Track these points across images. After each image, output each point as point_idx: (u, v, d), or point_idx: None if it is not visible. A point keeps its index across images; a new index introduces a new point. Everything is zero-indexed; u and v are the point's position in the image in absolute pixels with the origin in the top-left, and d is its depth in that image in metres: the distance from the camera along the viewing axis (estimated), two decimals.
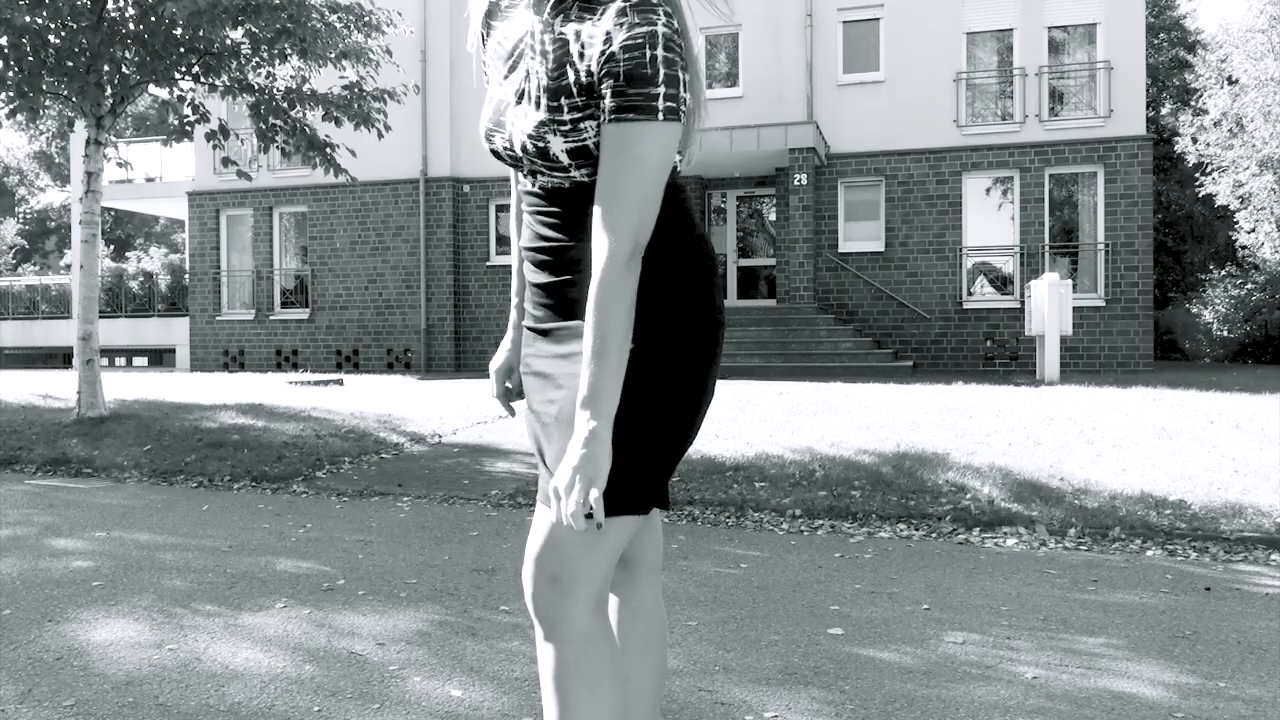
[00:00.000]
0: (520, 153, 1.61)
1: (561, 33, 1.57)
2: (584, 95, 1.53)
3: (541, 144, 1.57)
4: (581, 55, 1.53)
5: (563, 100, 1.55)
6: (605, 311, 1.47)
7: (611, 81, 1.47)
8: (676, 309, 1.60)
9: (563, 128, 1.55)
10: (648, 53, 1.45)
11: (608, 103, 1.48)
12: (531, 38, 1.61)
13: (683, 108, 1.50)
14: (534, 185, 1.66)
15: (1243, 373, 16.03)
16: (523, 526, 5.20)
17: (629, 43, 1.46)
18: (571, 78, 1.54)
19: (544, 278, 1.68)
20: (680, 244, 1.62)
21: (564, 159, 1.58)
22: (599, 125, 1.53)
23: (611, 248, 1.47)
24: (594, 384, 1.47)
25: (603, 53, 1.49)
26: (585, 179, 1.59)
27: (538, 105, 1.57)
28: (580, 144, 1.56)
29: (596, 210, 1.50)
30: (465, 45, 20.18)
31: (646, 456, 1.57)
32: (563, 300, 1.66)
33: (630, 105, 1.46)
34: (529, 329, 1.73)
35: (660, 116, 1.47)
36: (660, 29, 1.46)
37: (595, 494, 1.44)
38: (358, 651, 3.11)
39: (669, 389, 1.59)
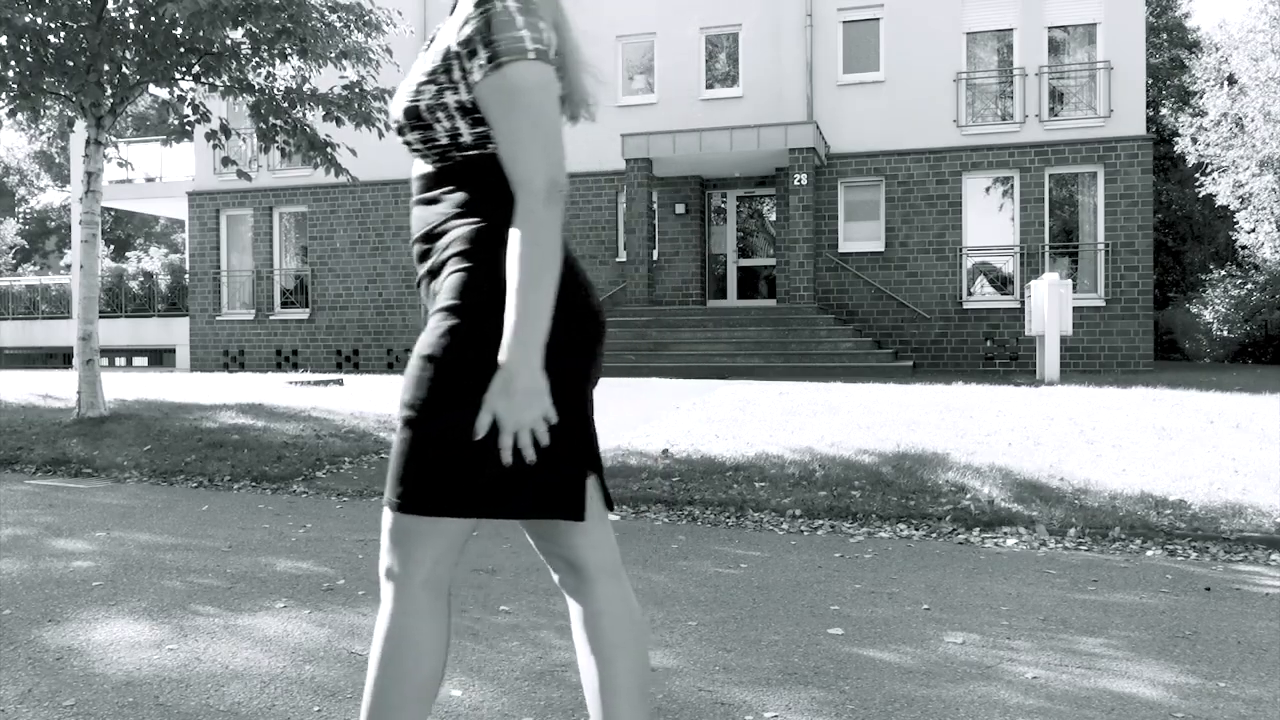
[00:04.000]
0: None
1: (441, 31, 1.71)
2: (439, 60, 1.64)
3: (396, 107, 1.71)
4: (449, 40, 1.64)
5: (422, 72, 1.67)
6: (532, 242, 1.51)
7: (478, 37, 1.56)
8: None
9: (409, 90, 1.67)
10: (497, 5, 1.56)
11: (481, 56, 1.56)
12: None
13: (551, 53, 1.58)
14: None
15: (1243, 373, 16.03)
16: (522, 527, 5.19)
17: (479, 2, 1.57)
18: (437, 55, 1.65)
19: (425, 264, 1.71)
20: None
21: (400, 117, 1.68)
22: (438, 89, 1.63)
23: (526, 185, 1.53)
24: (525, 311, 1.50)
25: (463, 21, 1.59)
26: (434, 165, 1.68)
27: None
28: (413, 104, 1.66)
29: (503, 161, 1.57)
30: None
31: (465, 454, 1.57)
32: (432, 277, 1.69)
33: (501, 50, 1.54)
34: None
35: (531, 56, 1.54)
36: None
37: (541, 430, 1.52)
38: (358, 651, 3.11)
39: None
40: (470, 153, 1.64)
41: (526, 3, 1.57)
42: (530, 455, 1.54)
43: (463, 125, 1.63)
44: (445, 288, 1.62)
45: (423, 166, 1.72)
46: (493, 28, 1.54)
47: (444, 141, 1.66)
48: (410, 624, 1.66)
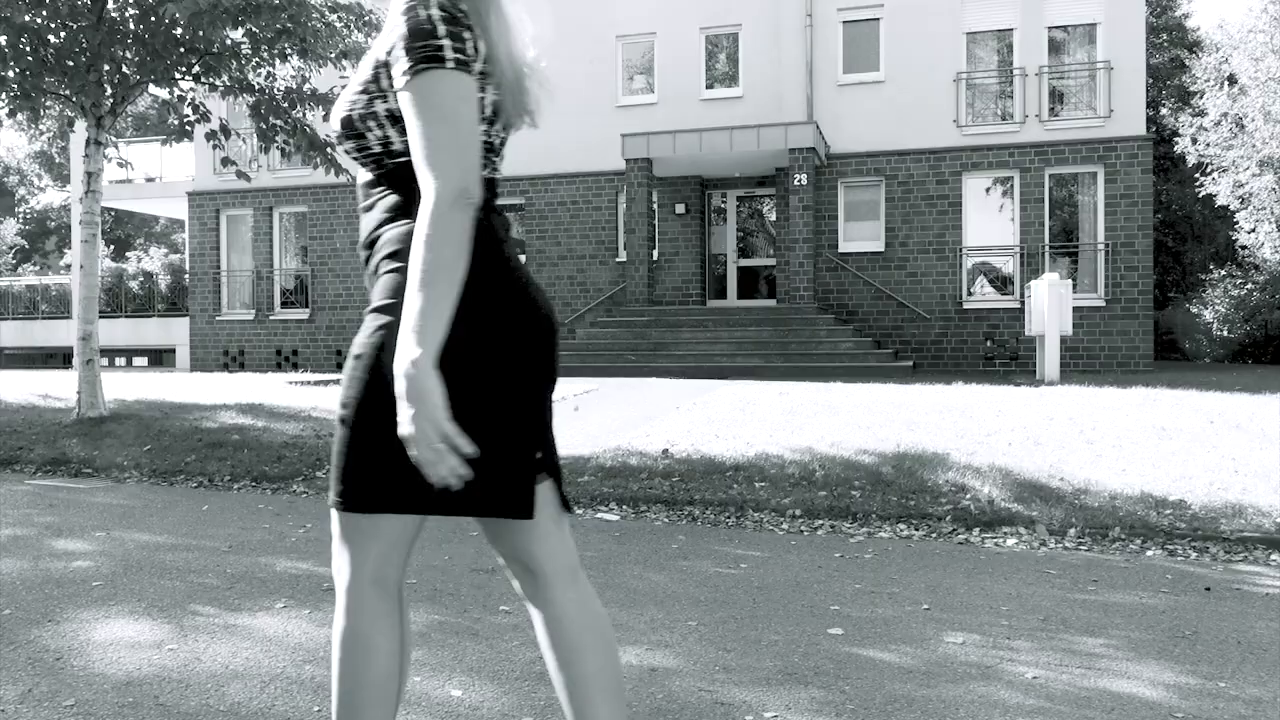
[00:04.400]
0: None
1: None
2: (370, 70, 1.67)
3: (333, 117, 1.74)
4: (379, 51, 1.68)
5: (357, 81, 1.70)
6: (433, 245, 1.50)
7: (400, 45, 1.57)
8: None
9: (345, 100, 1.71)
10: (421, 12, 1.57)
11: (403, 64, 1.57)
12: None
13: (474, 63, 1.58)
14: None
15: (1243, 373, 16.03)
16: None
17: (406, 8, 1.58)
18: (369, 65, 1.68)
19: (368, 269, 1.74)
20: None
21: (337, 127, 1.71)
22: (369, 99, 1.66)
23: (436, 190, 1.52)
24: (419, 311, 1.49)
25: (391, 30, 1.62)
26: (371, 172, 1.71)
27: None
28: (348, 114, 1.69)
29: (416, 166, 1.56)
30: None
31: (400, 451, 1.56)
32: (374, 280, 1.72)
33: (420, 58, 1.55)
34: None
35: (450, 65, 1.55)
36: None
37: (449, 430, 1.47)
38: None
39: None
40: (401, 159, 1.67)
41: (453, 11, 1.58)
42: (447, 477, 1.50)
43: (393, 133, 1.67)
44: (378, 288, 1.66)
45: (364, 175, 1.75)
46: (414, 36, 1.55)
47: (377, 150, 1.69)
48: (361, 623, 1.68)
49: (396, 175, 1.68)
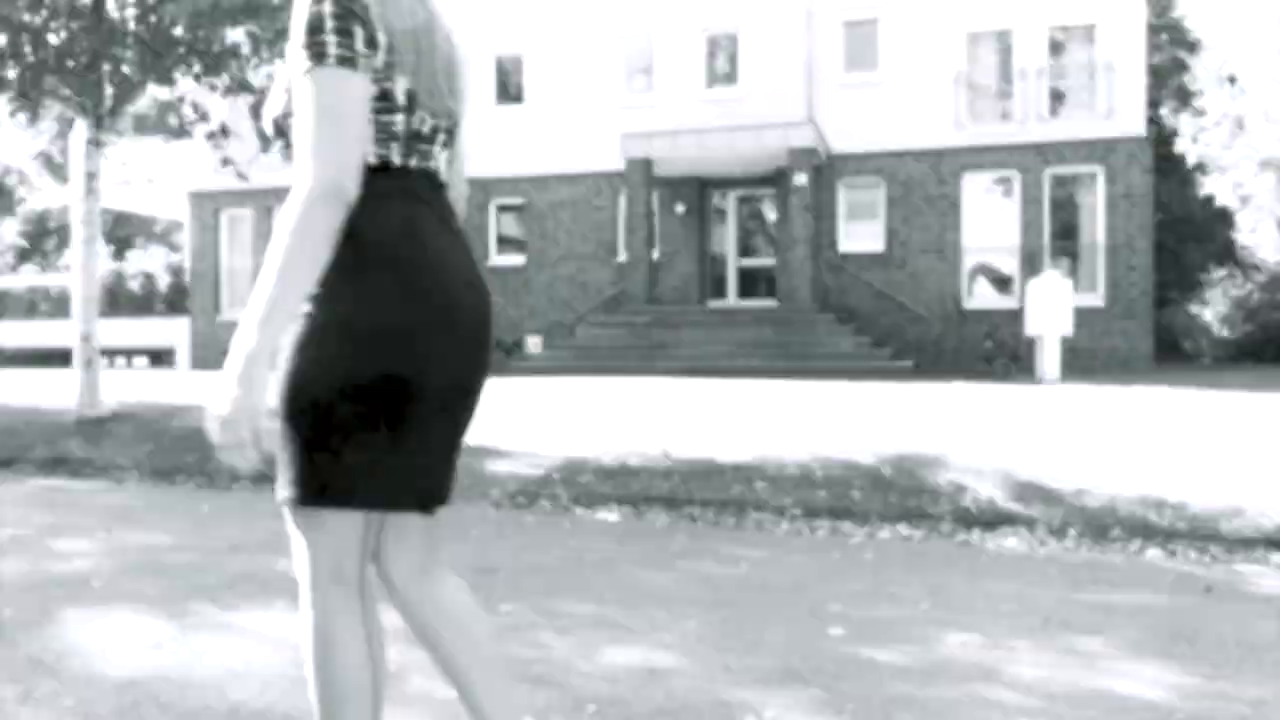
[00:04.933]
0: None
1: None
2: (290, 68, 1.69)
3: (265, 117, 1.77)
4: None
5: (283, 82, 1.73)
6: (297, 236, 1.51)
7: (298, 41, 1.60)
8: (355, 290, 1.58)
9: (274, 100, 1.74)
10: (314, 9, 1.59)
11: (299, 59, 1.59)
12: None
13: (365, 58, 1.59)
14: None
15: (1243, 373, 16.03)
16: (522, 526, 5.21)
17: (307, 3, 1.60)
18: (289, 66, 1.71)
19: None
20: (375, 223, 1.61)
21: (268, 127, 1.74)
22: (288, 99, 1.68)
23: (307, 183, 1.53)
24: (268, 299, 1.49)
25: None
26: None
27: None
28: (273, 114, 1.73)
29: (296, 159, 1.57)
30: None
31: (318, 446, 1.57)
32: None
33: (311, 55, 1.57)
34: None
35: (332, 61, 1.56)
36: None
37: (261, 425, 1.46)
38: None
39: (342, 373, 1.58)
40: None
41: (347, 6, 1.58)
42: (239, 465, 1.50)
43: None
44: None
45: None
46: (307, 33, 1.58)
47: None
48: (326, 621, 1.69)
49: None
